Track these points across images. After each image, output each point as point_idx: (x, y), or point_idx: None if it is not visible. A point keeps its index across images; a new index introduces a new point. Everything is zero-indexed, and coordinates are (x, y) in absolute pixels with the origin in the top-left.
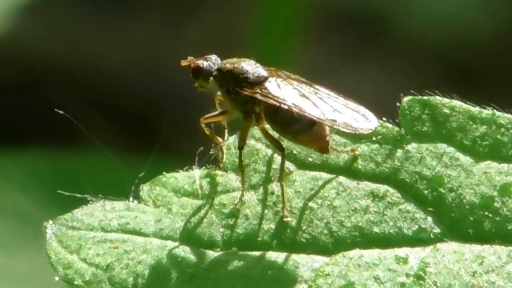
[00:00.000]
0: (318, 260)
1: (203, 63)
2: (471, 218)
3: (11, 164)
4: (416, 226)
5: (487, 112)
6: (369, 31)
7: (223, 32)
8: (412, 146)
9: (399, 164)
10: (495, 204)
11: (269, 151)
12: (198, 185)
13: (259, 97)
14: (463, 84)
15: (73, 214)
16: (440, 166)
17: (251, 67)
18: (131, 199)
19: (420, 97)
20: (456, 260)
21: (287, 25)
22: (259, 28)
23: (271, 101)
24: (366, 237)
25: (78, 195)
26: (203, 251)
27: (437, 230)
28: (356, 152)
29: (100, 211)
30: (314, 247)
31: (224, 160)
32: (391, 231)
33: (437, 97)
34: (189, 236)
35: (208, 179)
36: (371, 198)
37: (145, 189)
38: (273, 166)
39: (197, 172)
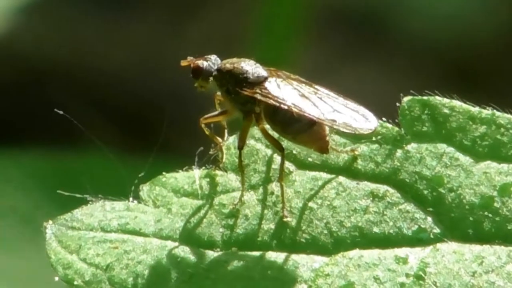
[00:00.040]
0: (318, 260)
1: (202, 63)
2: (471, 218)
3: (11, 164)
4: (416, 226)
5: (486, 112)
6: (369, 31)
7: (224, 32)
8: (412, 146)
9: (399, 164)
10: (495, 204)
11: (269, 151)
12: (198, 185)
13: (259, 97)
14: (463, 84)
15: (73, 214)
16: (440, 166)
17: (251, 67)
18: (131, 199)
19: (420, 97)
20: (456, 260)
21: (288, 25)
22: (260, 28)
23: (271, 101)
24: (366, 237)
25: (78, 195)
26: (202, 251)
27: (437, 230)
28: (356, 152)
29: (100, 211)
30: (314, 247)
31: (224, 160)
32: (391, 231)
33: (437, 97)
34: (188, 236)
35: (208, 179)
36: (371, 198)
37: (145, 189)
38: (273, 166)
39: (196, 172)
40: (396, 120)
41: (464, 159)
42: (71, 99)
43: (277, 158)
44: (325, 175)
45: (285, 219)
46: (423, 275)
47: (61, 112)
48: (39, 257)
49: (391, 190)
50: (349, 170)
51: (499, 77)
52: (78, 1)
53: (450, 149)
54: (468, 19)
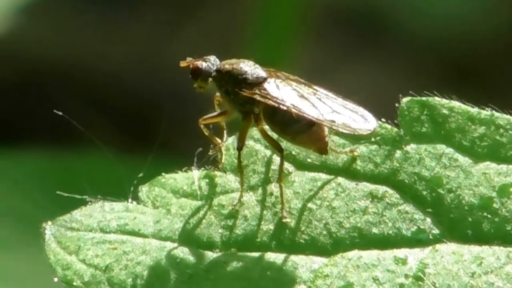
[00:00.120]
0: (317, 261)
1: (202, 64)
2: (470, 219)
3: (10, 164)
4: (415, 227)
5: (486, 113)
6: (369, 31)
7: (223, 32)
8: (411, 147)
9: (398, 165)
10: (494, 205)
11: (268, 152)
12: (197, 186)
13: (258, 98)
14: (463, 84)
15: (72, 215)
16: (439, 167)
17: (250, 68)
18: (130, 200)
19: (419, 97)
20: (455, 261)
21: (287, 25)
22: (259, 28)
23: (270, 102)
24: (365, 238)
25: (77, 196)
26: (202, 252)
27: (436, 231)
28: (355, 153)
29: (99, 212)
30: (313, 248)
31: (223, 161)
32: (390, 232)
33: (436, 97)
34: (188, 237)
35: (207, 180)
36: (370, 199)
37: (144, 190)
38: (272, 167)
39: (196, 173)
40: (395, 121)
41: (463, 160)
42: (70, 99)
43: (276, 159)
44: (324, 176)
45: (284, 220)
46: (422, 276)
47: (60, 113)
48: (39, 257)
49: (390, 191)
50: (348, 171)
51: (499, 77)
52: (76, 1)
53: (449, 150)
54: (468, 19)
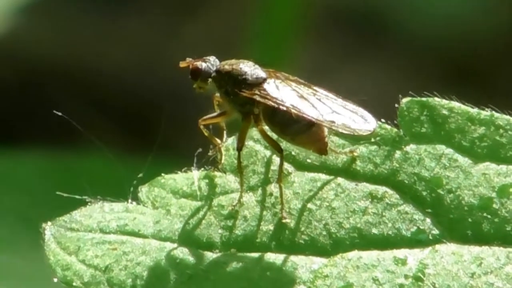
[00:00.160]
0: (316, 262)
1: (201, 64)
2: (469, 220)
3: (10, 164)
4: (415, 228)
5: (485, 113)
6: (368, 31)
7: (223, 32)
8: (410, 147)
9: (397, 165)
10: (494, 206)
11: (268, 153)
12: (197, 186)
13: (257, 98)
14: (462, 84)
15: (72, 216)
16: (438, 167)
17: (249, 68)
18: (129, 200)
19: (418, 98)
20: (455, 262)
21: (287, 25)
22: (259, 28)
23: (270, 103)
24: (364, 239)
25: (77, 197)
26: (201, 252)
27: (435, 231)
28: (355, 154)
29: (99, 213)
30: (313, 248)
31: (222, 161)
32: (390, 232)
33: (436, 98)
34: (187, 238)
35: (207, 181)
36: (370, 199)
37: (143, 190)
38: (272, 167)
39: (195, 174)
40: (395, 121)
41: (463, 160)
42: (70, 99)
43: (276, 159)
44: (324, 176)
45: (284, 220)
46: (422, 276)
47: (60, 113)
48: (38, 258)
49: (390, 191)
50: (348, 171)
51: (499, 77)
52: (76, 1)
53: (449, 150)
54: (468, 19)
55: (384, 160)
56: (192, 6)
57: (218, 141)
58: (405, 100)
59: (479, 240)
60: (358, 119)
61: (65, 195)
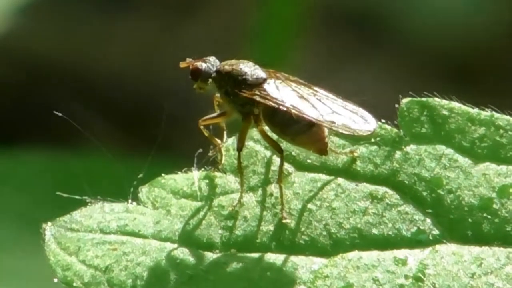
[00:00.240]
0: (317, 262)
1: (201, 65)
2: (470, 220)
3: (10, 164)
4: (415, 228)
5: (485, 113)
6: (369, 31)
7: (223, 32)
8: (410, 148)
9: (397, 165)
10: (494, 206)
11: (268, 153)
12: (197, 186)
13: (257, 98)
14: (462, 84)
15: (72, 216)
16: (439, 168)
17: (249, 68)
18: (129, 200)
19: (418, 98)
20: (455, 262)
21: (287, 25)
22: (259, 28)
23: (270, 103)
24: (365, 239)
25: (77, 197)
26: (202, 252)
27: (436, 231)
28: (355, 154)
29: (99, 213)
30: (313, 248)
31: (223, 161)
32: (390, 232)
33: (436, 98)
34: (188, 238)
35: (207, 181)
36: (370, 200)
37: (143, 190)
38: (272, 167)
39: (196, 174)
40: (395, 122)
41: (463, 161)
42: (70, 99)
43: (276, 160)
44: (324, 177)
45: (284, 221)
46: (422, 276)
47: (60, 114)
48: (38, 258)
49: (390, 192)
50: (348, 172)
51: (499, 77)
52: (76, 1)
53: (449, 151)
54: (468, 19)
55: (384, 161)
56: (192, 6)
57: (218, 141)
58: (405, 100)
59: (479, 240)
60: (358, 119)
61: (65, 195)
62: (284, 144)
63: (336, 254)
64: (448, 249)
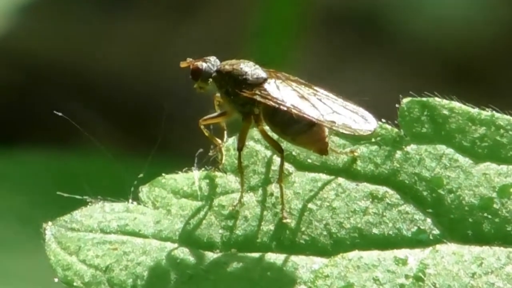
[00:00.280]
0: (317, 262)
1: (202, 64)
2: (470, 220)
3: (10, 164)
4: (415, 228)
5: (486, 113)
6: (369, 31)
7: (223, 32)
8: (411, 148)
9: (398, 165)
10: (494, 206)
11: (268, 153)
12: (197, 186)
13: (258, 98)
14: (463, 84)
15: (72, 216)
16: (439, 168)
17: (250, 68)
18: (130, 200)
19: (419, 98)
20: (456, 262)
21: (287, 25)
22: (259, 28)
23: (270, 103)
24: (365, 239)
25: (78, 197)
26: (202, 252)
27: (436, 231)
28: (355, 154)
29: (99, 213)
30: (313, 248)
31: (223, 161)
32: (390, 232)
33: (436, 98)
34: (188, 238)
35: (207, 181)
36: (370, 200)
37: (144, 190)
38: (272, 167)
39: (196, 174)
40: (396, 122)
41: (464, 160)
42: (70, 99)
43: (277, 160)
44: (324, 176)
45: (284, 221)
46: (422, 276)
47: (60, 114)
48: (39, 258)
49: (391, 191)
50: (349, 171)
51: (499, 77)
52: (76, 1)
53: (450, 150)
54: (468, 20)
55: (385, 160)
56: (192, 6)
57: (219, 141)
58: (405, 100)
59: (480, 240)
60: (358, 119)
61: (65, 195)
62: (285, 144)
63: (337, 254)
64: (448, 248)
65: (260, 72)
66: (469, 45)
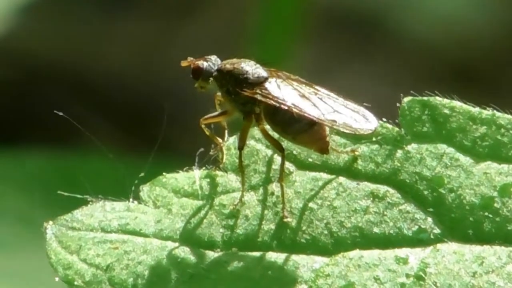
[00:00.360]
0: (318, 261)
1: (203, 63)
2: (471, 219)
3: (10, 164)
4: (416, 227)
5: (487, 112)
6: (369, 31)
7: (223, 32)
8: (412, 147)
9: (399, 164)
10: (495, 205)
11: (269, 152)
12: (198, 185)
13: (259, 97)
14: (463, 84)
15: (73, 215)
16: (440, 167)
17: (251, 67)
18: (131, 199)
19: (420, 97)
20: (456, 261)
21: (288, 24)
22: (259, 28)
23: (271, 102)
24: (366, 238)
25: (78, 196)
26: (203, 251)
27: (437, 230)
28: (356, 153)
29: (100, 212)
30: (314, 247)
31: (224, 160)
32: (391, 231)
33: (437, 97)
34: (189, 237)
35: (208, 180)
36: (371, 199)
37: (145, 189)
38: (273, 166)
39: (197, 173)
40: (396, 121)
41: (465, 160)
42: (70, 99)
43: (278, 159)
44: (325, 176)
45: (285, 220)
46: (423, 275)
47: (60, 113)
48: (39, 257)
49: (391, 191)
50: (350, 171)
51: (499, 77)
52: (76, 1)
53: (450, 150)
54: (468, 19)
55: (386, 160)
56: (192, 6)
57: (220, 140)
58: (406, 99)
59: (481, 239)
60: (359, 118)
61: (66, 194)
62: (285, 143)
63: (337, 253)
64: (449, 248)
65: (261, 71)
66: (469, 45)
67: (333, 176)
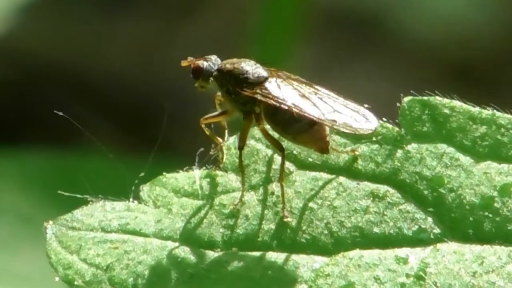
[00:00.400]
0: (318, 261)
1: (203, 63)
2: (471, 219)
3: (11, 164)
4: (416, 227)
5: (487, 112)
6: (369, 31)
7: (223, 32)
8: (412, 147)
9: (399, 164)
10: (495, 205)
11: (269, 152)
12: (198, 185)
13: (259, 97)
14: (463, 84)
15: (73, 215)
16: (440, 167)
17: (251, 67)
18: (131, 199)
19: (420, 97)
20: (456, 261)
21: (288, 24)
22: (259, 28)
23: (271, 102)
24: (366, 238)
25: (78, 196)
26: (203, 251)
27: (437, 230)
28: (356, 153)
29: (100, 212)
30: (314, 247)
31: (224, 160)
32: (391, 231)
33: (437, 97)
34: (189, 237)
35: (208, 180)
36: (371, 199)
37: (145, 189)
38: (273, 166)
39: (197, 173)
40: (397, 121)
41: (465, 159)
42: (70, 99)
43: (278, 158)
44: (325, 175)
45: (285, 220)
46: (423, 275)
47: (60, 113)
48: (39, 257)
49: (392, 190)
50: (350, 170)
51: (499, 77)
52: (76, 1)
53: (451, 149)
54: (468, 19)
55: (386, 159)
56: (192, 6)
57: (220, 140)
58: (406, 99)
59: (481, 239)
60: (359, 118)
61: (66, 194)
62: (286, 143)
63: (338, 253)
64: (449, 247)
65: (261, 71)
66: (469, 45)
67: (333, 176)
